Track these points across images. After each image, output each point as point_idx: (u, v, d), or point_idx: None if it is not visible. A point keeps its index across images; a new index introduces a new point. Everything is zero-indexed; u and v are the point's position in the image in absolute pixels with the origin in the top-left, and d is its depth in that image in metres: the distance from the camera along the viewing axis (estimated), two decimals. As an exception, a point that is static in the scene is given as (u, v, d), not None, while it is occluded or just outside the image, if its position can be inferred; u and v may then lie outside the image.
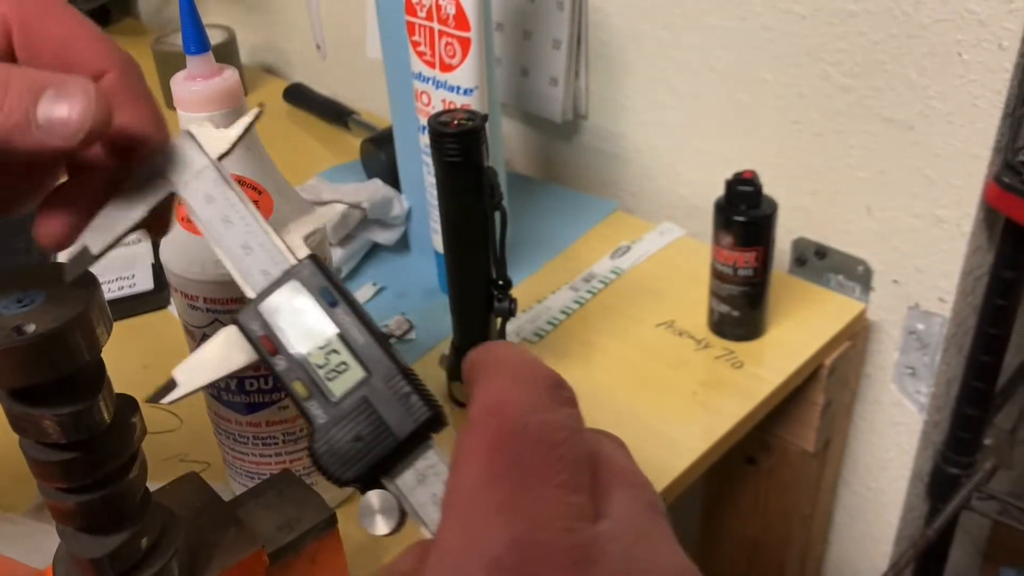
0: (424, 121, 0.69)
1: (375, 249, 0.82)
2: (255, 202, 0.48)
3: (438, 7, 0.65)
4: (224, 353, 0.30)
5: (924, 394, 0.76)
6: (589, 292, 0.76)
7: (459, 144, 0.56)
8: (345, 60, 1.09)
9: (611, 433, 0.29)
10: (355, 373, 0.28)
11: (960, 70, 0.63)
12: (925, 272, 0.72)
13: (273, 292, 0.29)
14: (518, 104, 0.90)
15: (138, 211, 0.31)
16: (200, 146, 0.31)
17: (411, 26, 0.68)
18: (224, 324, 0.32)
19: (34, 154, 0.29)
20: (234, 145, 0.32)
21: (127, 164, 0.32)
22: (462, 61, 0.66)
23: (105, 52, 0.31)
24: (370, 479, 0.28)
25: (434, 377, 0.66)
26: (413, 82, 0.69)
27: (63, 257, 0.31)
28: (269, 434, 0.53)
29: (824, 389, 0.72)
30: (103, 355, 0.34)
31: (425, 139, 0.69)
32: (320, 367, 0.29)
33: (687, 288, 0.74)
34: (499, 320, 0.63)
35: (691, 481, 0.62)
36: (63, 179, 0.33)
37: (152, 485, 0.39)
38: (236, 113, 0.48)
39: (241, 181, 0.48)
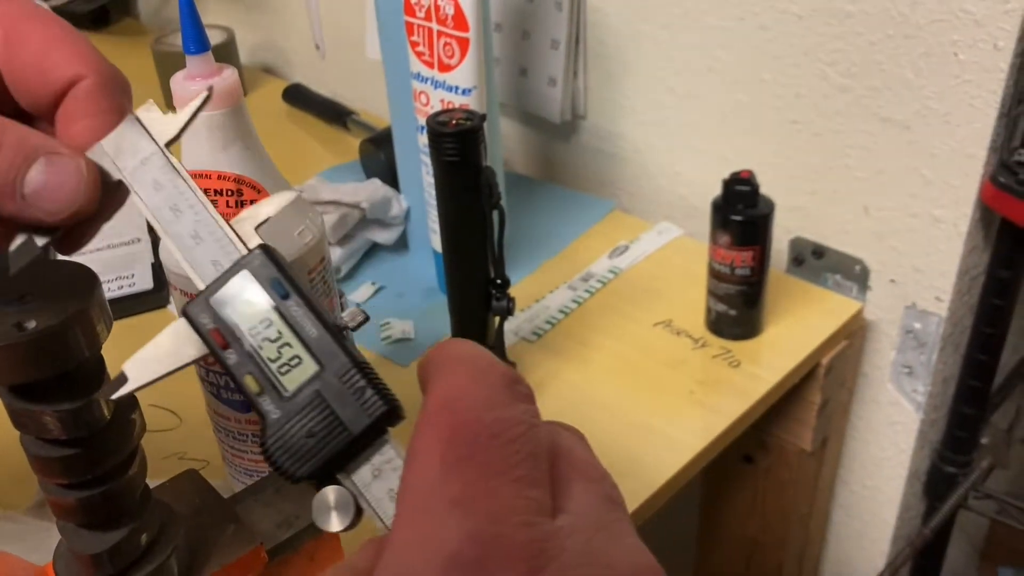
0: (423, 121, 0.69)
1: (374, 249, 0.82)
2: (254, 201, 0.49)
3: (437, 7, 0.66)
4: (174, 347, 0.29)
5: (921, 393, 0.76)
6: (587, 291, 0.76)
7: (457, 144, 0.56)
8: (344, 60, 1.10)
9: (570, 425, 0.28)
10: (308, 367, 0.28)
11: (956, 70, 0.64)
12: (922, 271, 0.72)
13: (224, 284, 0.28)
14: (517, 104, 0.90)
15: None
16: (147, 131, 0.30)
17: (410, 26, 0.68)
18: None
19: (12, 220, 0.28)
20: (182, 130, 0.31)
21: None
22: (461, 61, 0.66)
23: (84, 58, 0.30)
24: (325, 475, 0.27)
25: (433, 376, 0.66)
26: (412, 82, 0.70)
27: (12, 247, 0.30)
28: (268, 432, 0.53)
29: (821, 388, 0.73)
30: (103, 354, 0.35)
31: (424, 139, 0.70)
32: (272, 361, 0.28)
33: (685, 287, 0.75)
34: (497, 319, 0.63)
35: (688, 479, 0.62)
36: None
37: (151, 483, 0.39)
38: (236, 113, 0.48)
39: (241, 181, 0.49)
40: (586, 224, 0.85)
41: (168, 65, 1.04)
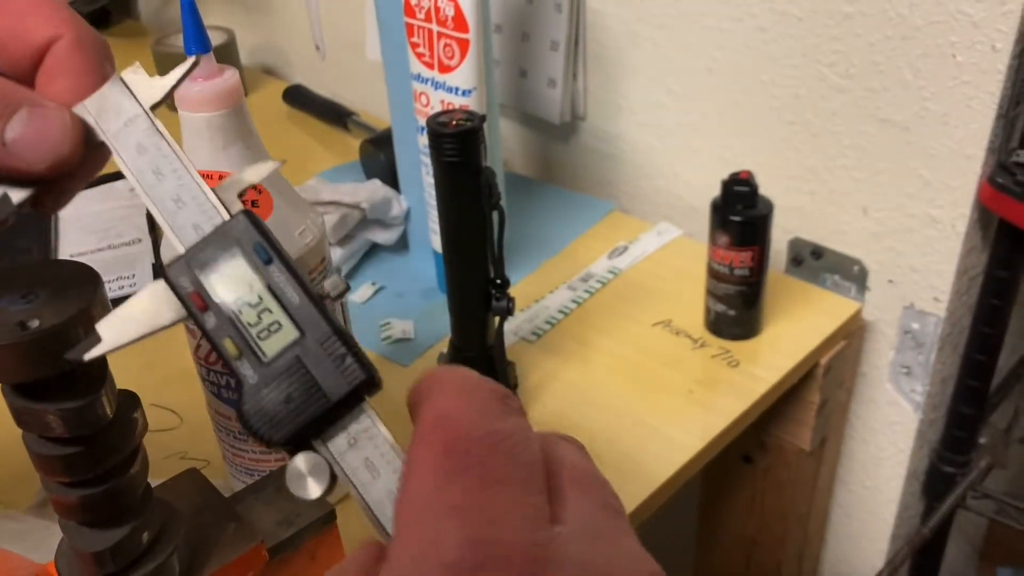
0: (423, 122, 0.69)
1: (374, 249, 0.82)
2: (255, 201, 0.49)
3: (437, 9, 0.66)
4: (152, 309, 0.28)
5: (919, 393, 0.77)
6: (587, 292, 0.76)
7: (457, 144, 0.57)
8: (344, 61, 1.10)
9: (568, 435, 0.28)
10: (288, 333, 0.27)
11: (954, 71, 0.64)
12: (920, 272, 0.72)
13: (205, 248, 0.28)
14: (516, 105, 0.90)
15: None
16: (132, 93, 0.30)
17: (410, 27, 0.68)
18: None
19: None
20: (168, 93, 0.30)
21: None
22: (460, 62, 0.66)
23: (61, 19, 0.30)
24: (300, 441, 0.27)
25: (432, 376, 0.66)
26: (412, 83, 0.70)
27: None
28: (269, 431, 0.53)
29: (820, 388, 0.73)
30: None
31: (424, 140, 0.70)
32: (252, 326, 0.27)
33: (684, 288, 0.75)
34: (497, 319, 0.63)
35: (687, 479, 0.62)
36: None
37: (153, 482, 0.39)
38: (237, 114, 0.49)
39: (241, 180, 0.49)
40: (585, 224, 0.85)
41: (168, 66, 1.03)
